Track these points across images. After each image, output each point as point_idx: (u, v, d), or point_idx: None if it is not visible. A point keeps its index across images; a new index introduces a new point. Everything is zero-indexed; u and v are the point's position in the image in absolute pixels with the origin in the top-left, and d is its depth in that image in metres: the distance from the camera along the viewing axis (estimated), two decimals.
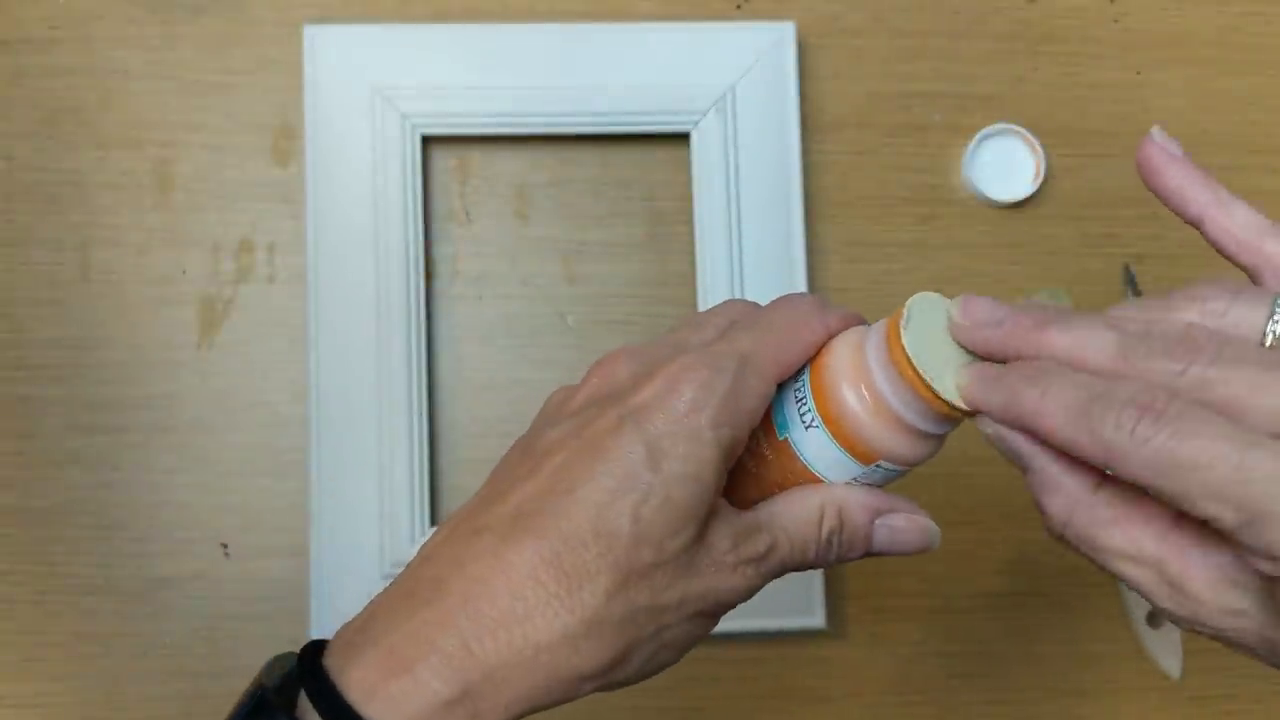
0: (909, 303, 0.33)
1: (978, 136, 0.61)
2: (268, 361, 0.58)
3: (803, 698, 0.58)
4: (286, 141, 0.59)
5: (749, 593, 0.35)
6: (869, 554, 0.37)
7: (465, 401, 0.59)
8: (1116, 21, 0.63)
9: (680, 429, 0.33)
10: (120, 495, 0.57)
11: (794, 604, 0.57)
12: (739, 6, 0.62)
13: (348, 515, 0.55)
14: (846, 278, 0.60)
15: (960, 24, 0.63)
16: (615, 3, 0.61)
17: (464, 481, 0.58)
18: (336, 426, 0.56)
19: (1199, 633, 0.31)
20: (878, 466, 0.35)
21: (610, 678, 0.33)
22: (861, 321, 0.36)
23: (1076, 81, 0.63)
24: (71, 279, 0.58)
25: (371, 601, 0.34)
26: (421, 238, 0.58)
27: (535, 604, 0.32)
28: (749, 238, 0.58)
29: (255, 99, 0.60)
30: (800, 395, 0.35)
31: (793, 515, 0.35)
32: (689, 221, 0.59)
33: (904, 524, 0.37)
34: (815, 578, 0.57)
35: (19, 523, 0.57)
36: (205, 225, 0.59)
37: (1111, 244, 0.62)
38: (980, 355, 0.33)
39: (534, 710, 0.32)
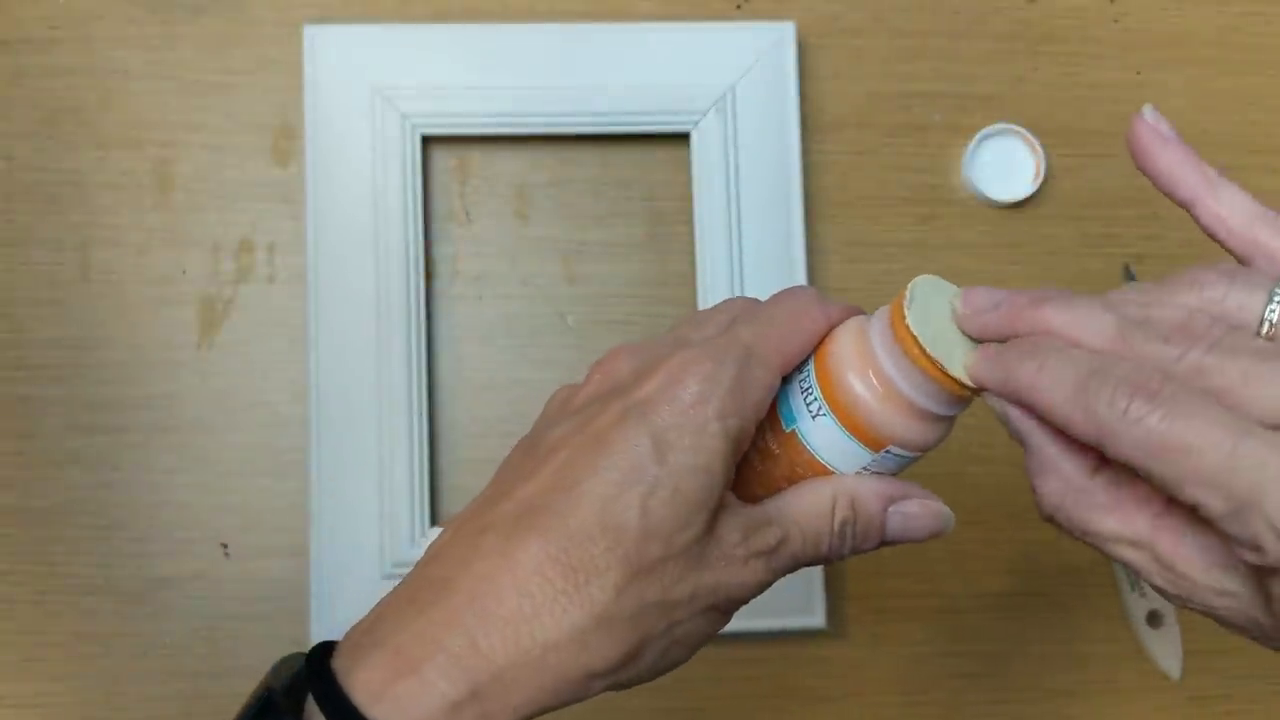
0: (911, 285, 0.33)
1: (978, 136, 0.61)
2: (268, 361, 0.58)
3: (803, 698, 0.58)
4: (286, 141, 0.59)
5: (760, 587, 0.34)
6: (883, 544, 0.36)
7: (465, 401, 0.59)
8: (1116, 21, 0.63)
9: (686, 421, 0.32)
10: (120, 495, 0.57)
11: (794, 604, 0.57)
12: (739, 6, 0.62)
13: (348, 515, 0.55)
14: (846, 278, 0.60)
15: (960, 24, 0.63)
16: (615, 3, 0.61)
17: (464, 481, 0.58)
18: (336, 426, 0.56)
19: (1190, 609, 0.31)
20: (888, 453, 0.35)
21: (621, 676, 0.33)
22: (861, 312, 0.36)
23: (1076, 81, 0.63)
24: (71, 279, 0.58)
25: (379, 602, 0.34)
26: (421, 238, 0.58)
27: (543, 601, 0.31)
28: (749, 238, 0.58)
29: (255, 99, 0.60)
30: (806, 386, 0.35)
31: (804, 508, 0.35)
32: (689, 221, 0.59)
33: (918, 509, 0.36)
34: (816, 578, 0.57)
35: (19, 523, 0.57)
36: (205, 225, 0.59)
37: (1111, 244, 0.62)
38: (984, 340, 0.33)
39: (543, 711, 0.32)
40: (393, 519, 0.55)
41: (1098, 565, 0.60)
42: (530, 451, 0.35)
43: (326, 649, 0.33)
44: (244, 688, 0.34)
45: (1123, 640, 0.60)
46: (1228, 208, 0.32)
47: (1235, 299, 0.30)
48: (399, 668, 0.31)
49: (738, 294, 0.58)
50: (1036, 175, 0.61)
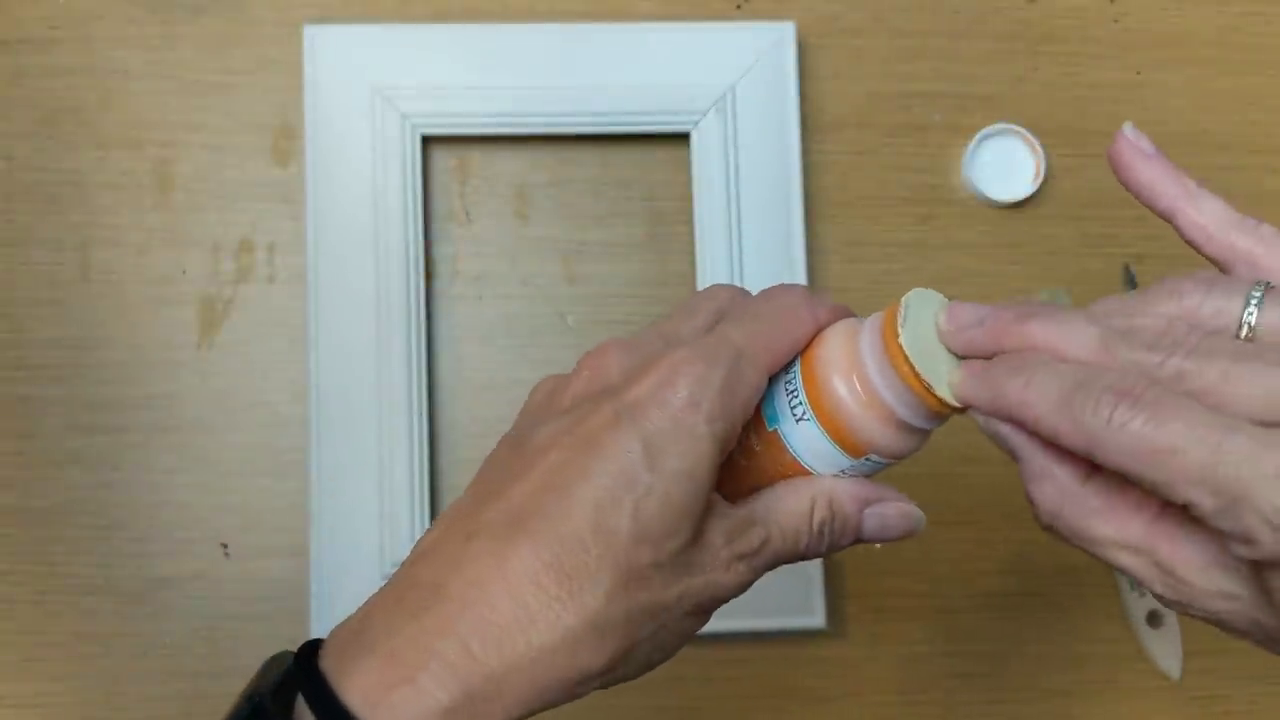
0: (905, 299, 0.33)
1: (978, 136, 0.61)
2: (268, 361, 0.58)
3: (803, 698, 0.58)
4: (286, 141, 0.59)
5: (742, 588, 0.35)
6: (858, 541, 0.37)
7: (465, 401, 0.59)
8: (1116, 21, 0.63)
9: (677, 425, 0.32)
10: (120, 495, 0.57)
11: (794, 604, 0.57)
12: (739, 6, 0.62)
13: (348, 515, 0.55)
14: (846, 278, 0.60)
15: (960, 24, 0.63)
16: (615, 3, 0.61)
17: (464, 481, 0.58)
18: (336, 426, 0.56)
19: (1192, 616, 0.31)
20: (866, 459, 0.35)
21: (610, 677, 0.33)
22: (849, 314, 0.36)
23: (1076, 81, 0.63)
24: (71, 279, 0.58)
25: (367, 602, 0.34)
26: (421, 238, 0.58)
27: (537, 608, 0.31)
28: (749, 238, 0.58)
29: (255, 99, 0.60)
30: (791, 388, 0.35)
31: (785, 509, 0.35)
32: (689, 221, 0.59)
33: (892, 512, 0.37)
34: (816, 578, 0.57)
35: (19, 523, 0.57)
36: (205, 225, 0.59)
37: (1111, 244, 0.62)
38: (971, 357, 0.33)
39: (534, 713, 0.32)
40: (393, 519, 0.55)
41: (1096, 565, 0.60)
42: (518, 449, 0.34)
43: (313, 647, 0.33)
44: (243, 688, 0.34)
45: (1122, 640, 0.60)
46: (1207, 216, 0.33)
47: (1212, 305, 0.30)
48: (394, 675, 0.31)
49: None
50: (1036, 175, 0.61)
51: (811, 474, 0.36)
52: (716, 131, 0.59)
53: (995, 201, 0.61)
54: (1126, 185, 0.35)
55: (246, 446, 0.58)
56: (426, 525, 0.56)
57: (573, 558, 0.32)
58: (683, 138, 0.60)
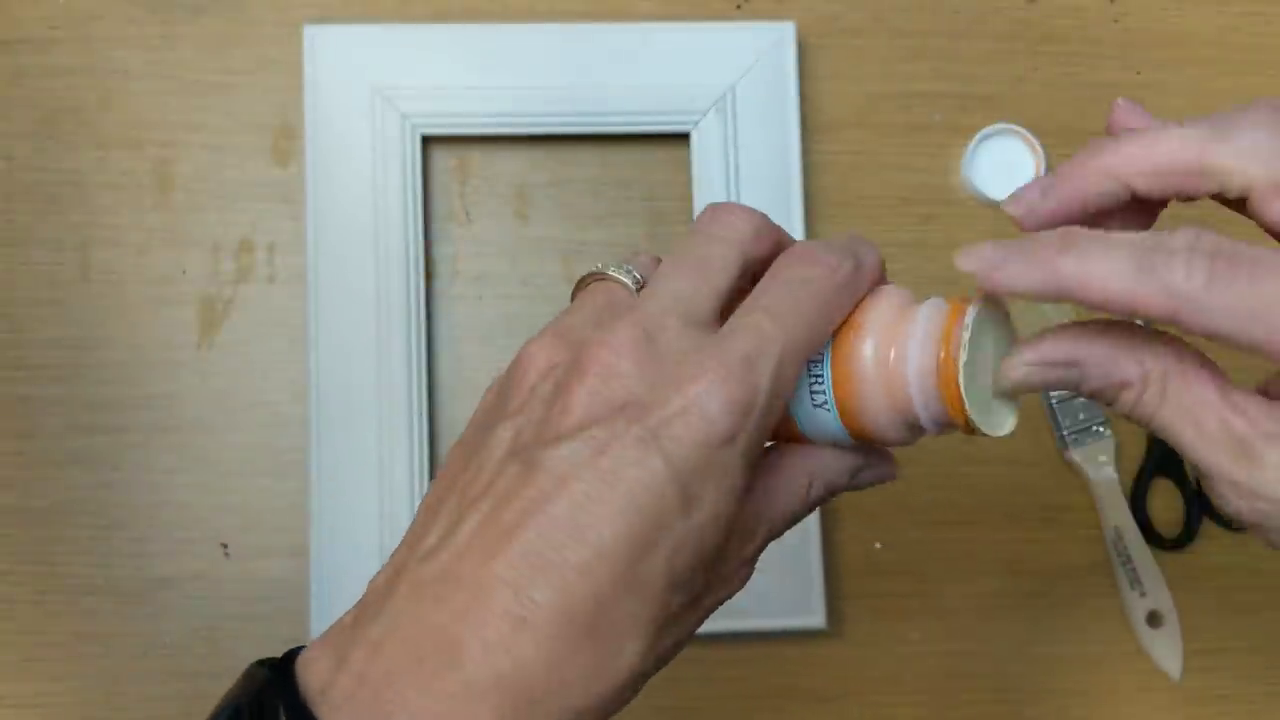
0: (969, 324, 0.31)
1: (978, 136, 0.61)
2: (268, 361, 0.58)
3: (803, 698, 0.58)
4: (286, 141, 0.59)
5: (742, 587, 0.34)
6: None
7: (465, 401, 0.59)
8: (1116, 21, 0.63)
9: (712, 463, 0.29)
10: (120, 495, 0.57)
11: (794, 604, 0.57)
12: (739, 6, 0.62)
13: (348, 515, 0.55)
14: None
15: (960, 24, 0.63)
16: (615, 3, 0.61)
17: None
18: (336, 426, 0.56)
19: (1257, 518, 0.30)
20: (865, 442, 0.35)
21: None
22: (884, 277, 0.34)
23: (1076, 81, 0.63)
24: (71, 279, 0.58)
25: (358, 636, 0.30)
26: (421, 238, 0.58)
27: (574, 678, 0.28)
28: None
29: (255, 99, 0.60)
30: (816, 375, 0.33)
31: (783, 493, 0.34)
32: (689, 221, 0.59)
33: (870, 476, 0.36)
34: (815, 578, 0.57)
35: (19, 523, 0.57)
36: (205, 225, 0.59)
37: None
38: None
39: None
40: (393, 519, 0.55)
41: (1097, 565, 0.60)
42: (531, 465, 0.30)
43: (288, 673, 0.30)
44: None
45: (1123, 640, 0.60)
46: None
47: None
48: None
49: None
50: (1036, 175, 0.61)
51: (804, 440, 0.34)
52: (716, 131, 0.59)
53: (995, 201, 0.61)
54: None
55: (246, 446, 0.58)
56: None
57: (606, 616, 0.29)
58: (683, 138, 0.60)
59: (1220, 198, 0.32)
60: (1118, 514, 0.59)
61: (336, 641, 0.30)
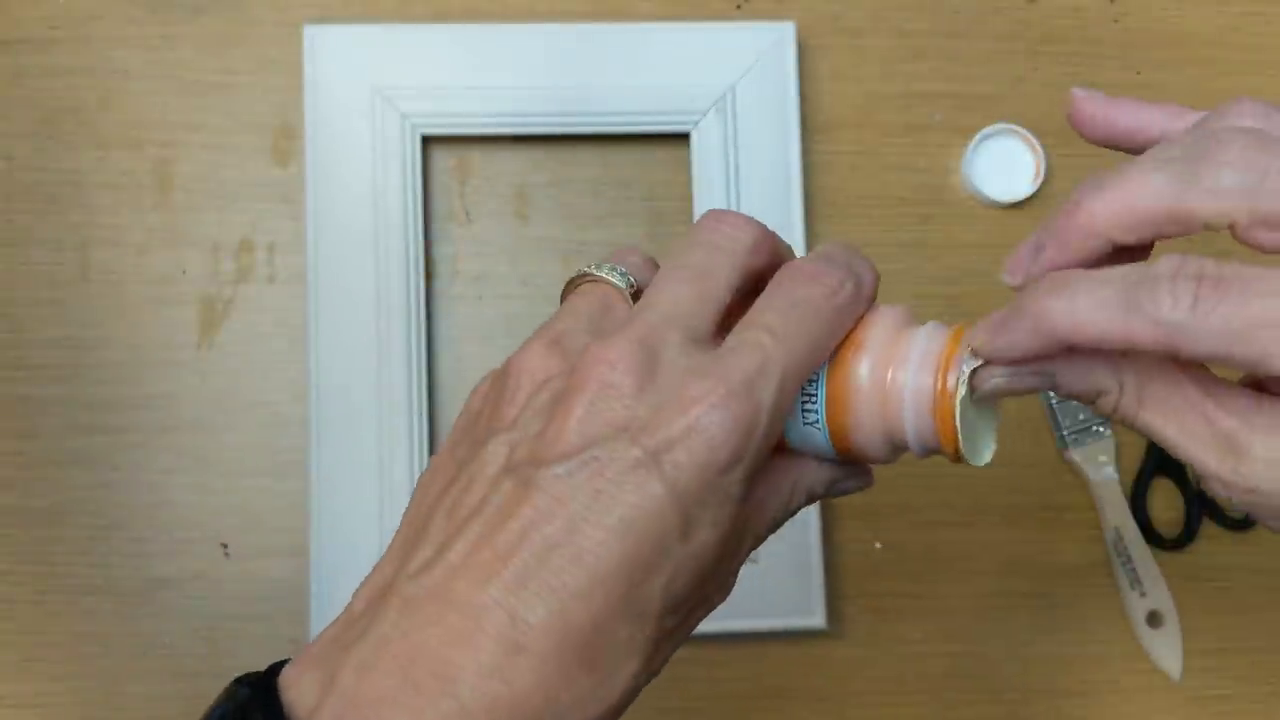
0: (968, 359, 0.32)
1: (978, 136, 0.61)
2: (268, 361, 0.58)
3: (803, 698, 0.58)
4: (286, 141, 0.59)
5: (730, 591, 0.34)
6: None
7: (465, 402, 0.59)
8: (1116, 21, 0.63)
9: (714, 488, 0.29)
10: (120, 495, 0.57)
11: (794, 604, 0.57)
12: (739, 6, 0.62)
13: (348, 515, 0.55)
14: None
15: (960, 24, 0.63)
16: (615, 3, 0.61)
17: None
18: (336, 426, 0.56)
19: (1249, 503, 0.30)
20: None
21: None
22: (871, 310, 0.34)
23: (1076, 81, 0.63)
24: (71, 279, 0.58)
25: (346, 656, 0.29)
26: (421, 238, 0.58)
27: (569, 702, 0.28)
28: None
29: (255, 99, 0.60)
30: (809, 393, 0.33)
31: (771, 510, 0.33)
32: (689, 221, 0.59)
33: (851, 485, 0.35)
34: (815, 578, 0.57)
35: (19, 523, 0.57)
36: (205, 225, 0.59)
37: None
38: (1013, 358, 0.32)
39: None
40: (393, 519, 0.55)
41: (1097, 565, 0.60)
42: (528, 484, 0.29)
43: (271, 692, 0.29)
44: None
45: (1123, 640, 0.60)
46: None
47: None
48: None
49: None
50: (1036, 175, 0.61)
51: (789, 450, 0.34)
52: (716, 131, 0.59)
53: (995, 201, 0.61)
54: (1109, 137, 0.33)
55: (246, 446, 0.58)
56: None
57: (601, 641, 0.28)
58: (683, 138, 0.60)
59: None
60: (1118, 514, 0.59)
61: (323, 659, 0.29)
